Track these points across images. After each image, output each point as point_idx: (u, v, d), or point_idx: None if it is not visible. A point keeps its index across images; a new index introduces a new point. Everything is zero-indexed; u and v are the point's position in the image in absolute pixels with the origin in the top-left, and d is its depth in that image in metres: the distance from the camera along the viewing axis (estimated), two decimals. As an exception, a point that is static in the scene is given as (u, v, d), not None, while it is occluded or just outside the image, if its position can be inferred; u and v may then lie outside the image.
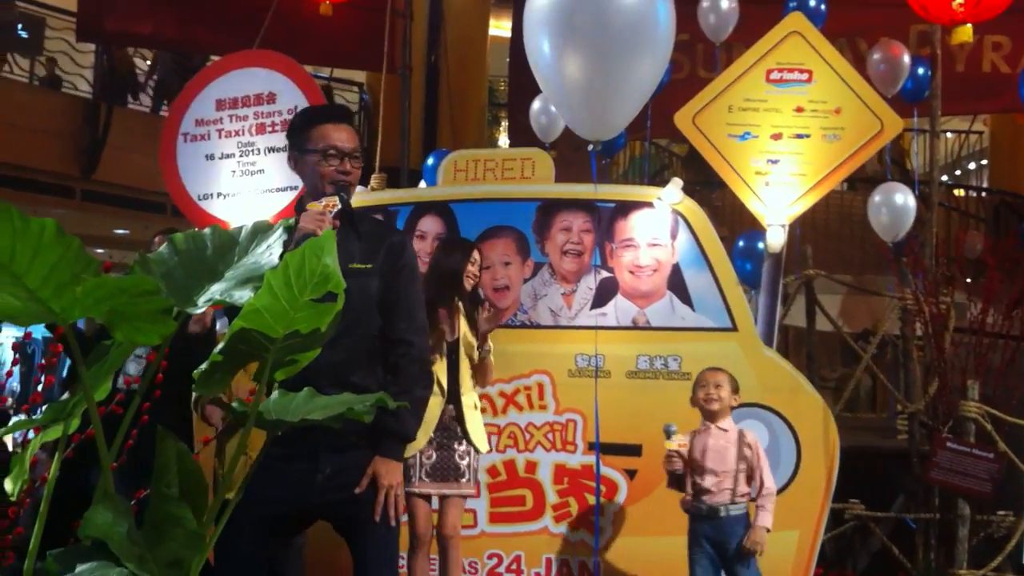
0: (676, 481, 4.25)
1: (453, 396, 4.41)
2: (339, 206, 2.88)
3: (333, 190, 2.92)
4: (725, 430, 4.22)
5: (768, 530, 4.10)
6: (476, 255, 4.59)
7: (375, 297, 2.91)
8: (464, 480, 4.40)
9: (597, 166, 4.89)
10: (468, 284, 4.54)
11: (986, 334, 6.00)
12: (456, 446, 4.39)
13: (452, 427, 4.40)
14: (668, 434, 4.22)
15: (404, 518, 4.34)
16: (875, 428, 7.61)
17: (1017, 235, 8.59)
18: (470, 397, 4.47)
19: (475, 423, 4.45)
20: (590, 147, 4.47)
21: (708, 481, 4.15)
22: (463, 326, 4.46)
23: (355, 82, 13.11)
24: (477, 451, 4.45)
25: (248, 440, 2.02)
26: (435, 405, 4.29)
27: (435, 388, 4.28)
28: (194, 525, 1.77)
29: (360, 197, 5.63)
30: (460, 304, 4.50)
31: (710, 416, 4.25)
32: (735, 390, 4.30)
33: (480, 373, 4.52)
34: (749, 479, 4.18)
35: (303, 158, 2.99)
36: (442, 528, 4.39)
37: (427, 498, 4.38)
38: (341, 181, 2.94)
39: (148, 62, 12.47)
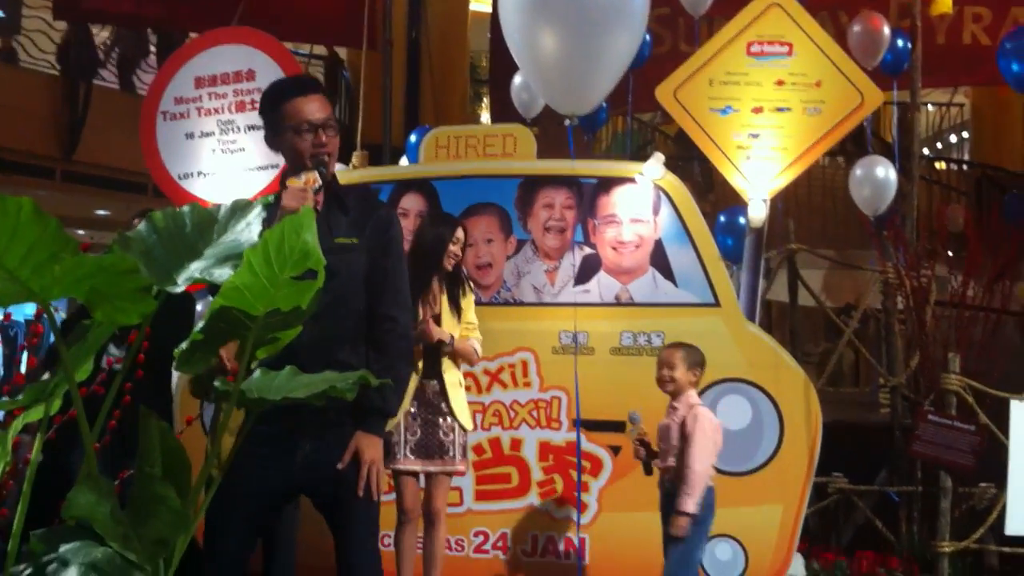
0: (646, 467, 4.25)
1: (435, 372, 4.39)
2: (319, 181, 2.86)
3: (312, 165, 2.89)
4: (675, 408, 4.16)
5: (687, 515, 3.97)
6: (460, 233, 4.55)
7: (361, 272, 2.89)
8: (448, 456, 4.39)
9: (581, 142, 4.88)
10: (449, 264, 4.50)
11: (967, 307, 6.03)
12: (440, 422, 4.38)
13: (436, 403, 4.39)
14: (632, 422, 4.21)
15: (391, 496, 4.35)
16: (858, 402, 7.67)
17: (999, 208, 8.62)
18: (453, 374, 4.45)
19: (459, 401, 4.44)
20: (567, 122, 4.46)
21: (660, 458, 4.16)
22: (444, 304, 4.45)
23: (320, 56, 12.93)
24: (463, 429, 4.45)
25: (231, 418, 2.01)
26: (410, 383, 4.29)
27: None
28: (178, 504, 1.77)
29: (341, 175, 5.60)
30: (441, 282, 4.48)
31: (671, 395, 4.21)
32: (697, 365, 4.19)
33: (461, 357, 4.51)
34: None
35: (277, 136, 2.95)
36: (429, 506, 4.39)
37: (414, 475, 4.38)
38: (318, 155, 2.89)
39: (108, 36, 12.23)
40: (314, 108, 2.92)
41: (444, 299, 4.48)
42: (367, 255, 2.90)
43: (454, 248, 4.50)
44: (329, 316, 2.75)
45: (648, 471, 4.27)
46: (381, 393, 2.74)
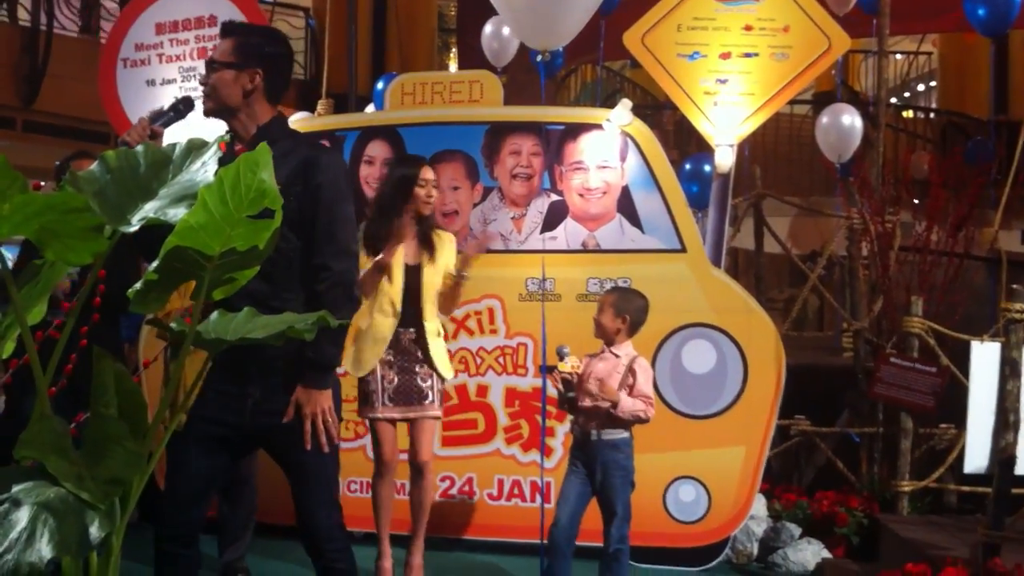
0: (566, 403, 4.03)
1: (413, 320, 4.28)
2: (151, 120, 2.80)
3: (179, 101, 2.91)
4: (617, 356, 4.03)
5: (614, 406, 3.88)
6: (428, 173, 4.35)
7: (286, 218, 2.76)
8: (428, 402, 4.31)
9: (547, 90, 4.83)
10: (425, 209, 4.32)
11: (930, 252, 6.08)
12: (418, 369, 4.30)
13: (412, 351, 4.29)
14: (560, 356, 4.01)
15: (357, 444, 4.32)
16: (821, 346, 7.73)
17: (961, 154, 8.66)
18: (433, 324, 4.34)
19: (438, 350, 4.35)
20: (539, 57, 4.42)
21: (586, 402, 3.98)
22: (432, 251, 4.31)
23: (300, 7, 12.83)
24: (441, 378, 4.36)
25: (186, 362, 2.00)
26: (386, 326, 4.22)
27: (388, 309, 4.24)
28: (133, 444, 1.76)
29: (307, 123, 5.56)
30: (412, 229, 4.31)
31: (605, 341, 4.08)
32: (627, 312, 4.05)
33: (448, 299, 4.35)
34: None
35: None
36: (416, 455, 4.32)
37: (391, 423, 4.31)
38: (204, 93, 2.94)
39: None
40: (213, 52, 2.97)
41: (418, 244, 4.31)
42: (294, 201, 2.78)
43: (423, 191, 4.30)
44: (262, 265, 2.71)
45: (566, 406, 4.06)
46: (314, 346, 2.62)
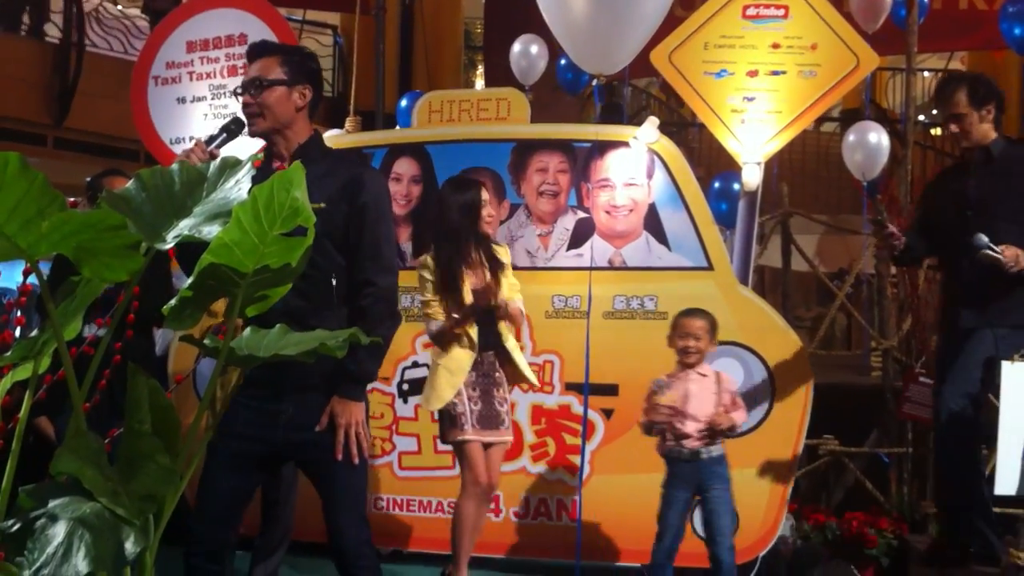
0: (656, 430, 4.20)
1: (493, 342, 4.33)
2: (207, 143, 2.83)
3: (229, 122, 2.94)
4: (704, 375, 4.18)
5: (733, 428, 4.15)
6: (485, 194, 4.44)
7: (330, 236, 2.84)
8: (504, 427, 4.37)
9: (573, 108, 4.85)
10: (488, 228, 4.42)
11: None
12: (495, 393, 4.35)
13: (492, 374, 4.35)
14: (659, 389, 4.16)
15: (384, 460, 4.31)
16: (849, 365, 7.67)
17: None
18: (512, 341, 4.42)
19: (525, 363, 4.45)
20: (594, 81, 4.44)
21: (689, 426, 4.10)
22: (487, 271, 4.35)
23: (329, 25, 12.93)
24: (531, 386, 4.58)
25: (222, 379, 2.02)
26: (465, 359, 4.25)
27: (465, 342, 4.27)
28: (167, 460, 1.77)
29: (336, 140, 5.60)
30: (478, 249, 4.37)
31: (688, 365, 4.19)
32: (714, 334, 4.23)
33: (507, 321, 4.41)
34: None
35: None
36: (488, 479, 4.35)
37: (480, 445, 4.32)
38: (246, 113, 2.96)
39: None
40: (249, 71, 2.98)
41: (487, 268, 4.36)
42: (339, 218, 2.86)
43: (484, 211, 4.40)
44: (299, 282, 2.74)
45: (655, 432, 4.23)
46: (355, 358, 2.67)
